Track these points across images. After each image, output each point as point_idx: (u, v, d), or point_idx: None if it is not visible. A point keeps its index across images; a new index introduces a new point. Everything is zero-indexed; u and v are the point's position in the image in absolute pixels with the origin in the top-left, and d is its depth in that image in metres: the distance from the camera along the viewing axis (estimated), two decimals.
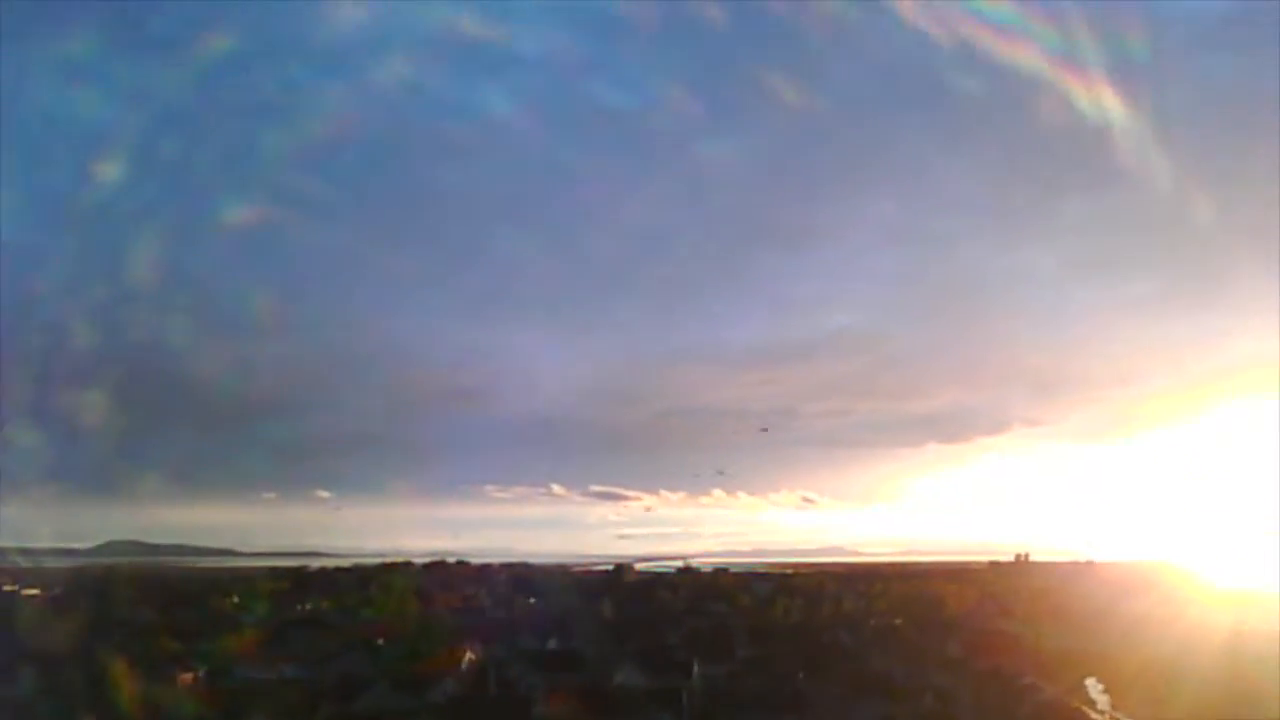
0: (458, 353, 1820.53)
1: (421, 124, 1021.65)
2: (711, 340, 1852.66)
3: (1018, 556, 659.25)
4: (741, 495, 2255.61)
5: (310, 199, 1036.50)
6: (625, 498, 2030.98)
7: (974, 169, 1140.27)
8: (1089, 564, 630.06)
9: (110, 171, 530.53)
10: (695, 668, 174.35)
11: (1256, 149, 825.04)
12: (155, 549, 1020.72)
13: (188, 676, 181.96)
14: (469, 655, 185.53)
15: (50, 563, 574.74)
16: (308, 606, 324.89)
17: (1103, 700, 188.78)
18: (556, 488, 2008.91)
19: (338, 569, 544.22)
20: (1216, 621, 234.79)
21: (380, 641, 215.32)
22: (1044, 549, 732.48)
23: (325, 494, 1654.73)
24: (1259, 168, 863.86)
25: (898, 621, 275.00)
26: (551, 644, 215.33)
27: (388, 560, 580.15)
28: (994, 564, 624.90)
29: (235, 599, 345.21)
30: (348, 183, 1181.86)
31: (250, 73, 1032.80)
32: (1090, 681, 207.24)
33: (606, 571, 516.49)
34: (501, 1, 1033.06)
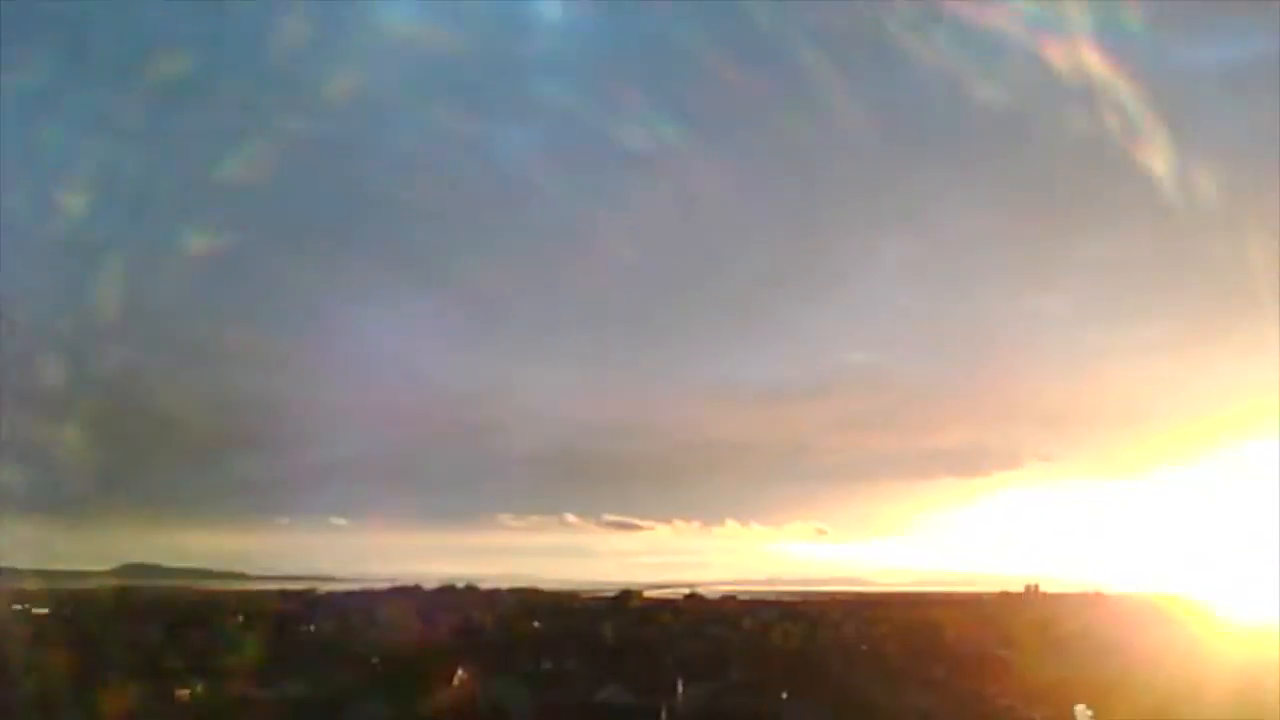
0: (474, 384, 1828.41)
1: (424, 153, 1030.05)
2: (726, 378, 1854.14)
3: (1027, 588, 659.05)
4: (754, 526, 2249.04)
5: (322, 231, 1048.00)
6: (638, 527, 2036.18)
7: (988, 211, 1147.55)
8: (1099, 596, 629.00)
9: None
10: (679, 686, 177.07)
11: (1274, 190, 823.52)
12: (168, 572, 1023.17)
13: (185, 692, 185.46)
14: (461, 673, 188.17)
15: (63, 584, 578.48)
16: (312, 628, 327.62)
17: None
18: (570, 517, 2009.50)
19: (346, 592, 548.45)
20: (1223, 654, 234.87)
21: (376, 660, 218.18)
22: (1055, 581, 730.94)
23: (340, 520, 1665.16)
24: (1275, 209, 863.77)
25: (888, 647, 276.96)
26: (545, 664, 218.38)
27: (398, 585, 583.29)
28: (1004, 594, 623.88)
29: (241, 619, 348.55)
30: (356, 214, 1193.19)
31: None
32: (1080, 708, 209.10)
33: (614, 597, 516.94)
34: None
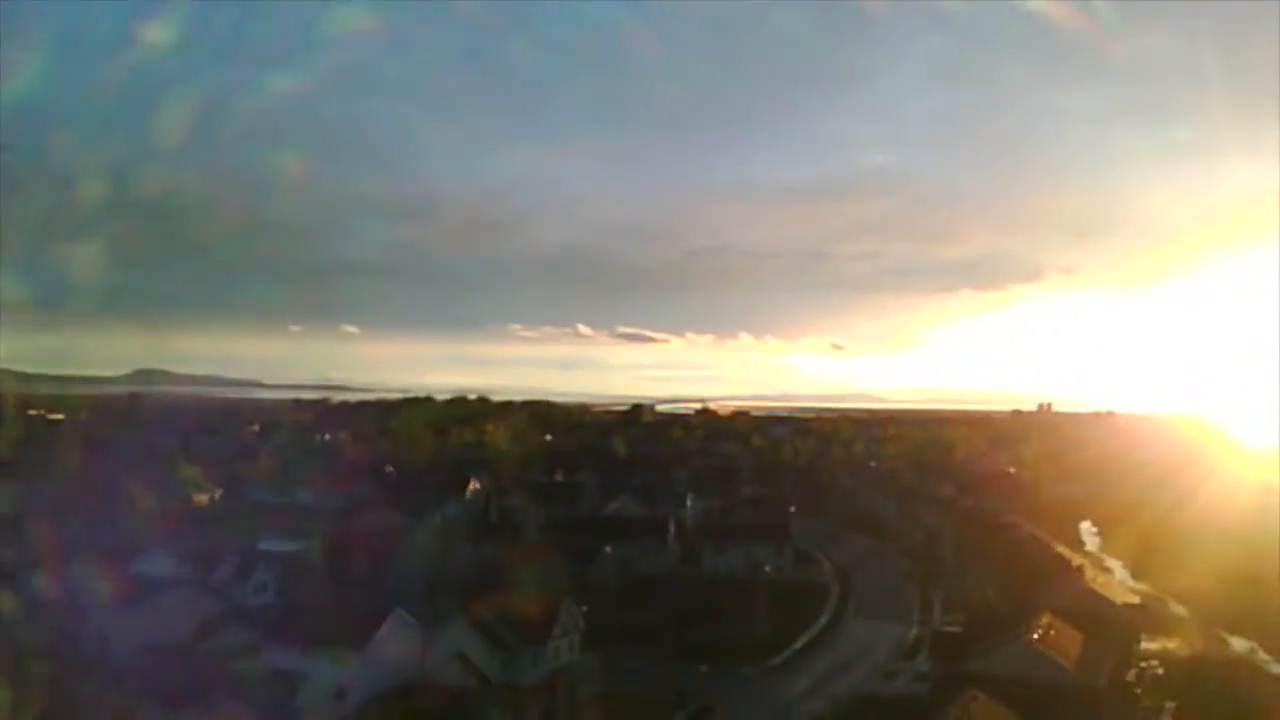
0: (488, 183, 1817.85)
1: None
2: (746, 176, 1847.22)
3: (1040, 406, 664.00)
4: (769, 339, 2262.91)
5: (342, 31, 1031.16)
6: (651, 339, 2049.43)
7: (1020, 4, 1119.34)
8: (1111, 415, 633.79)
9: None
10: (689, 500, 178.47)
11: None
12: (183, 379, 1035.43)
13: (203, 498, 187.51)
14: (474, 485, 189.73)
15: (78, 389, 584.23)
16: (326, 437, 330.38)
17: (1092, 542, 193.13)
18: (583, 328, 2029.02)
19: (360, 403, 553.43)
20: (1230, 473, 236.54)
21: (389, 470, 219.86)
22: (1069, 399, 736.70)
23: (352, 328, 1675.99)
24: None
25: (899, 464, 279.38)
26: (557, 476, 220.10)
27: (409, 395, 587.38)
28: (1016, 412, 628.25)
29: (256, 428, 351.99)
30: (388, 11, 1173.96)
31: None
32: (1085, 525, 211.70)
33: (625, 411, 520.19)
34: None
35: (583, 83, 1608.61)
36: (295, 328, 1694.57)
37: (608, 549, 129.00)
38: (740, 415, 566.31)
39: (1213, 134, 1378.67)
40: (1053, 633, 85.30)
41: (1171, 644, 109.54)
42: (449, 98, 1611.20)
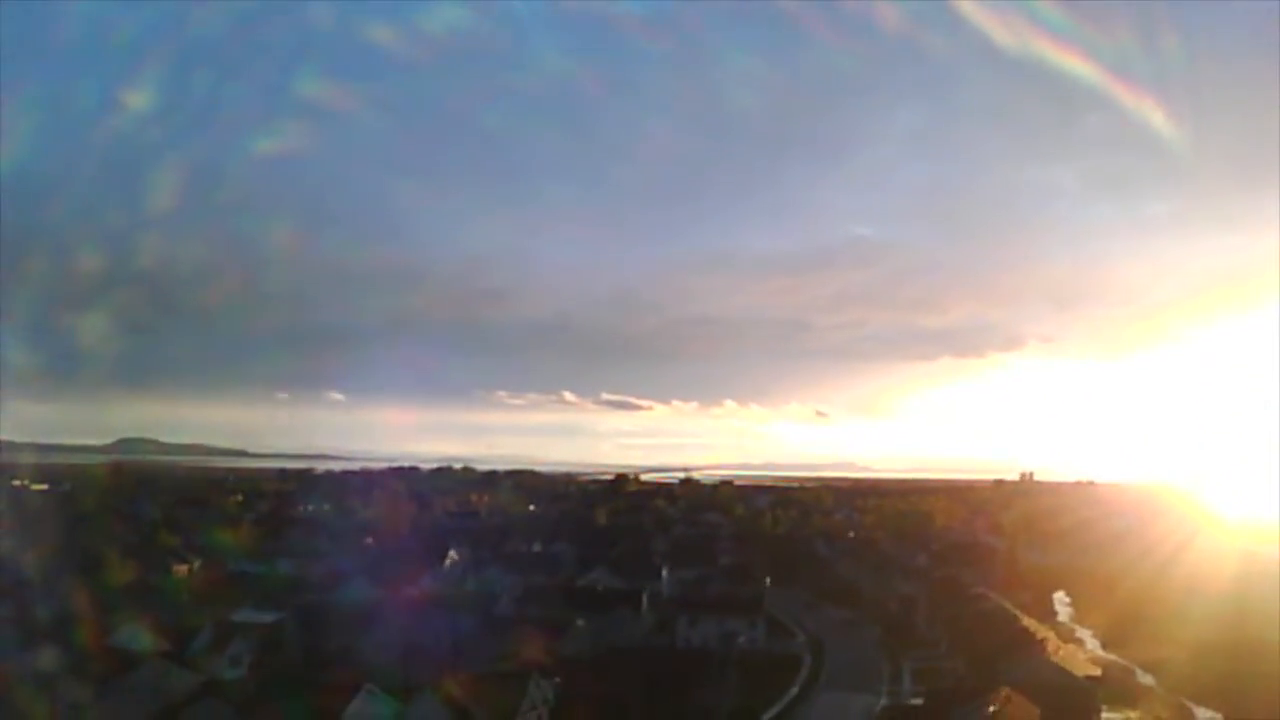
0: (475, 252, 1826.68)
1: (450, 36, 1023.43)
2: (730, 247, 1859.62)
3: (1022, 475, 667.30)
4: (754, 407, 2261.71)
5: (338, 102, 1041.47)
6: (637, 406, 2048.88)
7: (998, 81, 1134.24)
8: (1091, 484, 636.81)
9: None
10: (664, 571, 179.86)
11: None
12: (169, 447, 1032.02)
13: (183, 568, 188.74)
14: (452, 556, 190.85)
15: (64, 459, 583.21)
16: (309, 507, 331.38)
17: (1065, 612, 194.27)
18: (568, 395, 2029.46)
19: (344, 472, 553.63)
20: (1200, 544, 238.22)
21: (369, 540, 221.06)
22: (1050, 468, 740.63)
23: (339, 396, 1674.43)
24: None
25: (877, 534, 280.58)
26: (536, 547, 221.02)
27: (396, 464, 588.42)
28: (998, 482, 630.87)
29: (239, 498, 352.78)
30: (374, 83, 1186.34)
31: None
32: (1058, 594, 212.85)
33: (610, 480, 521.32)
34: None
35: (568, 154, 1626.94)
36: (282, 395, 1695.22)
37: (580, 621, 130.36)
38: (724, 485, 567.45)
39: (1187, 208, 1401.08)
40: (1010, 707, 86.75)
41: (1135, 715, 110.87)
42: (437, 169, 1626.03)
